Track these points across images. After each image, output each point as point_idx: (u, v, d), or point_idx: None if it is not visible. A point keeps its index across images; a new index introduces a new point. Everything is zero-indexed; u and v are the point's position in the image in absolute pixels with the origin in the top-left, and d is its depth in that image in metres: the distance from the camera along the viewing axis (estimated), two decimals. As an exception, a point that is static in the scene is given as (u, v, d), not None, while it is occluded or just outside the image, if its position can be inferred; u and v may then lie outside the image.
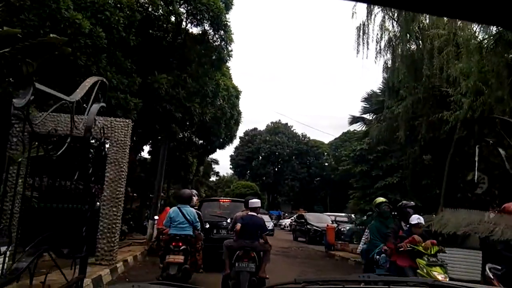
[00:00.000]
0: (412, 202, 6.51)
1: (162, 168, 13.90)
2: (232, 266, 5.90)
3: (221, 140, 19.30)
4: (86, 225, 3.12)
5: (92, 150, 6.13)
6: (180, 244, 6.19)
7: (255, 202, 6.59)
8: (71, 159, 3.63)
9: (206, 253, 7.22)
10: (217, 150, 23.05)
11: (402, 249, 5.37)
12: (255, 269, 5.87)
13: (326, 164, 49.67)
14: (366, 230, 7.64)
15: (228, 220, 8.47)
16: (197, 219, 6.58)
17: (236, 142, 50.56)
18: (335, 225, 18.41)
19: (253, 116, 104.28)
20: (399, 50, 10.07)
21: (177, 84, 12.93)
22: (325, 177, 48.01)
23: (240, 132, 35.79)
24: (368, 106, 14.27)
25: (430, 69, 9.15)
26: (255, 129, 52.27)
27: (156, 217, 12.44)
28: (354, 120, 15.36)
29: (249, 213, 6.37)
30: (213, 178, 51.28)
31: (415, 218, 5.58)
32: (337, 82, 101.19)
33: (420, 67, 9.41)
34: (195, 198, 7.37)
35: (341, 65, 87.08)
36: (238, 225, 6.11)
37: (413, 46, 10.50)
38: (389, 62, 10.54)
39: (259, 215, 6.50)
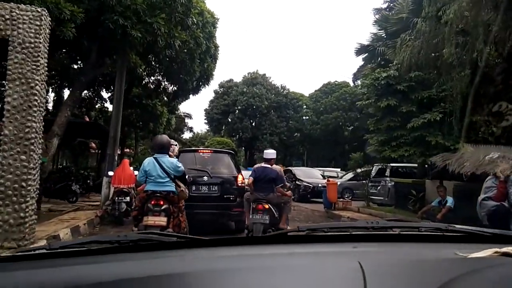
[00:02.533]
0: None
1: (118, 109, 10.52)
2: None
3: (195, 81, 15.83)
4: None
5: None
6: (161, 202, 5.14)
7: (269, 153, 6.55)
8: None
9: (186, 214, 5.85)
10: (191, 95, 19.62)
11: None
12: (270, 220, 5.95)
13: (306, 117, 47.36)
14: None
15: (206, 178, 7.59)
16: (179, 171, 5.34)
17: (214, 83, 47.09)
18: (337, 180, 15.95)
19: (228, 68, 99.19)
20: None
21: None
22: (304, 131, 46.00)
23: (217, 73, 32.31)
24: (381, 30, 11.20)
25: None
26: (230, 80, 48.49)
27: (110, 173, 9.30)
28: (362, 49, 12.27)
29: (263, 165, 6.41)
30: (186, 135, 48.05)
31: None
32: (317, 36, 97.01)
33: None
34: (176, 148, 6.12)
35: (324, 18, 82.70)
36: (250, 179, 6.22)
37: None
38: None
39: (273, 166, 6.41)
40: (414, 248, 1.26)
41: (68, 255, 1.16)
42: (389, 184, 13.81)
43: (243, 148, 50.74)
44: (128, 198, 8.49)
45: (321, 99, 46.34)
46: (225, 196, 7.64)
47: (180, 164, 5.38)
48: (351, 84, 44.75)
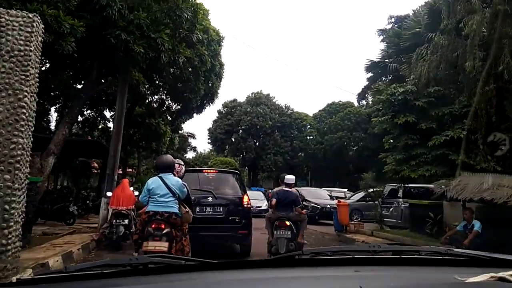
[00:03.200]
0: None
1: (119, 126, 10.04)
2: (272, 234, 6.73)
3: (199, 100, 15.42)
4: None
5: None
6: (163, 226, 4.74)
7: (290, 178, 7.19)
8: None
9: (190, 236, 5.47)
10: (195, 114, 19.25)
11: None
12: (292, 236, 6.59)
13: (311, 137, 46.92)
14: None
15: (210, 199, 7.41)
16: (185, 191, 5.02)
17: (218, 102, 46.89)
18: (348, 201, 15.27)
19: (232, 88, 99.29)
20: None
21: (137, 5, 9.05)
22: (308, 151, 45.48)
23: (221, 93, 31.94)
24: (392, 46, 10.78)
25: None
26: (234, 100, 48.36)
27: (109, 194, 8.74)
28: (373, 65, 11.83)
29: (284, 188, 7.03)
30: (190, 155, 47.61)
31: None
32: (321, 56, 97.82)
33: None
34: (183, 168, 5.78)
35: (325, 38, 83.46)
36: (274, 200, 6.91)
37: None
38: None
39: (292, 189, 7.13)
40: (414, 272, 1.29)
41: (83, 278, 1.22)
42: (402, 205, 13.15)
43: (247, 168, 50.12)
44: (126, 221, 7.91)
45: (325, 119, 46.06)
46: (230, 218, 7.43)
47: (185, 185, 5.06)
48: (356, 104, 44.69)
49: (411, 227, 12.07)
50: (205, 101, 16.14)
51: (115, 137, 9.96)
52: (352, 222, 12.58)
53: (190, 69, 13.23)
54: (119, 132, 10.05)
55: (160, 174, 4.98)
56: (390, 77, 10.98)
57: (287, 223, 6.61)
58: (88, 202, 15.29)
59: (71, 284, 1.18)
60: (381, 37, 33.73)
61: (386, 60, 11.39)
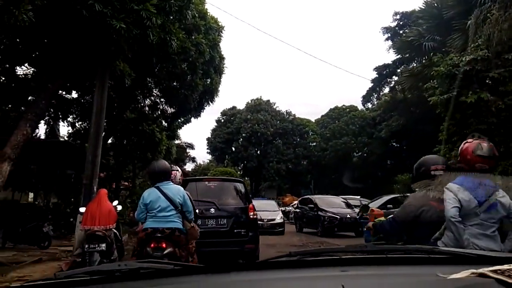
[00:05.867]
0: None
1: (98, 125, 8.02)
2: None
3: (197, 98, 13.46)
4: None
5: None
6: (164, 245, 4.11)
7: None
8: None
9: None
10: (192, 118, 17.33)
11: None
12: None
13: (314, 143, 45.16)
14: None
15: (213, 210, 6.85)
16: (189, 202, 4.37)
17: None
18: (381, 210, 13.22)
19: (231, 96, 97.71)
20: None
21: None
22: (311, 158, 43.71)
23: (219, 100, 29.94)
24: (429, 19, 8.84)
25: None
26: (233, 108, 46.65)
27: (82, 209, 6.73)
28: (404, 45, 9.90)
29: None
30: (189, 167, 45.55)
31: None
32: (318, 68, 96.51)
33: None
34: (178, 174, 4.98)
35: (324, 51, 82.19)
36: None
37: None
38: None
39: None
40: (398, 270, 1.30)
41: (72, 284, 1.23)
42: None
43: (248, 178, 48.21)
44: (104, 246, 5.88)
45: (329, 124, 44.44)
46: (235, 231, 6.91)
47: (188, 195, 4.47)
48: (360, 107, 43.04)
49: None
50: (203, 100, 14.17)
51: (93, 138, 7.95)
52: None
53: (185, 62, 11.35)
54: (98, 132, 8.04)
55: (157, 184, 4.34)
56: (424, 58, 9.08)
57: None
58: (72, 219, 13.26)
59: None
60: (386, 35, 32.44)
61: (421, 39, 9.46)
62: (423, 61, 9.42)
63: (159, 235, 4.15)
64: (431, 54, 8.80)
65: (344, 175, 37.36)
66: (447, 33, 8.52)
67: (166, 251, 4.09)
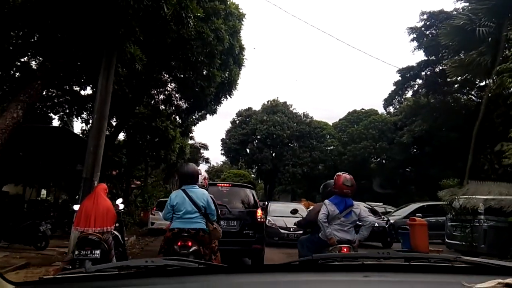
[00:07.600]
0: None
1: (102, 112, 6.98)
2: None
3: (214, 91, 12.39)
4: None
5: None
6: (190, 243, 4.44)
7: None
8: None
9: None
10: (208, 115, 16.28)
11: None
12: None
13: (332, 147, 43.68)
14: None
15: (225, 212, 7.16)
16: (212, 205, 4.73)
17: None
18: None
19: (246, 97, 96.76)
20: None
21: None
22: (328, 163, 42.21)
23: (234, 101, 29.02)
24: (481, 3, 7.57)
25: None
26: (249, 109, 45.58)
27: (76, 207, 5.68)
28: (453, 31, 8.59)
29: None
30: (202, 168, 44.63)
31: None
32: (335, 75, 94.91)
33: None
34: (200, 177, 5.10)
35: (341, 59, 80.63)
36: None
37: None
38: None
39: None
40: (422, 278, 1.27)
41: (101, 278, 1.28)
42: (485, 224, 9.87)
43: (262, 180, 46.97)
44: (98, 253, 4.80)
45: (347, 128, 42.95)
46: (244, 232, 7.62)
47: (212, 198, 4.80)
48: (381, 111, 41.43)
49: (501, 254, 8.98)
50: (220, 93, 13.08)
51: (96, 127, 6.91)
52: (436, 249, 9.20)
53: (202, 48, 10.28)
54: (103, 120, 6.99)
55: (184, 187, 4.72)
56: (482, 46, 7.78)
57: None
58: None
59: (90, 283, 1.25)
60: (411, 36, 30.92)
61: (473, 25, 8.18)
62: (477, 49, 8.14)
63: (185, 234, 4.48)
64: (489, 39, 7.57)
65: (361, 181, 35.87)
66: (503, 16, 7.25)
67: (191, 249, 4.41)
